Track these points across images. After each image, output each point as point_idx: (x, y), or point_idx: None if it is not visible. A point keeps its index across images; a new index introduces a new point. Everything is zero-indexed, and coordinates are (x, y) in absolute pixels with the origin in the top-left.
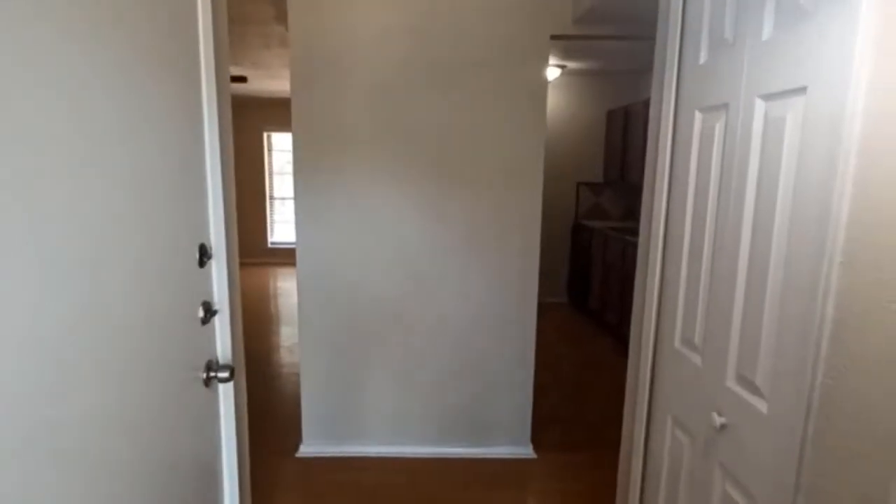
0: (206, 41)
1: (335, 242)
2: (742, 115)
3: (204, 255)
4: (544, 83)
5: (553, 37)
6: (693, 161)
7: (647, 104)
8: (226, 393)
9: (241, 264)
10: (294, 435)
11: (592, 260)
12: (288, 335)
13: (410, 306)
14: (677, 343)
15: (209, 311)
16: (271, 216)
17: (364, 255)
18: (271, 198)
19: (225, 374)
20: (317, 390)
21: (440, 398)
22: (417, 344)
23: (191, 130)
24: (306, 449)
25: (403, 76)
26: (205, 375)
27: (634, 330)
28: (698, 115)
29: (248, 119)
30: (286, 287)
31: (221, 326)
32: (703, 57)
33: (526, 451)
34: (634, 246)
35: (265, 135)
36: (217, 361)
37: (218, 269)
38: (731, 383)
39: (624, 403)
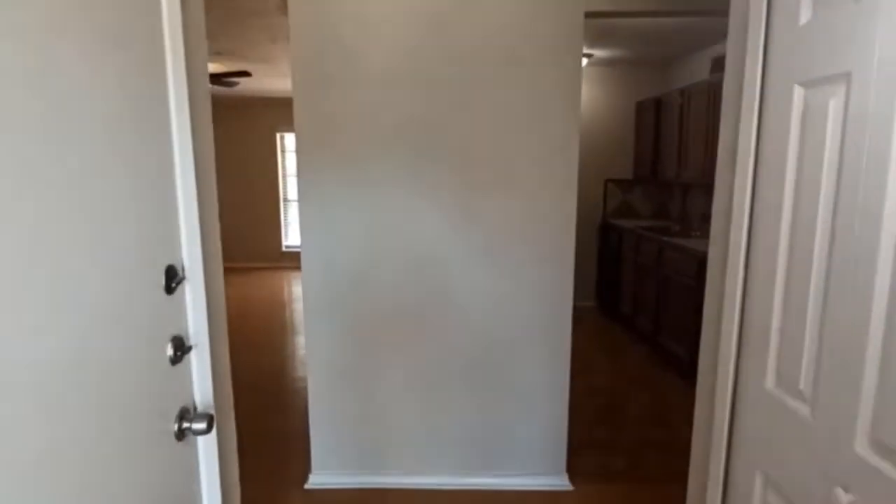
0: (171, 22)
1: (344, 249)
2: (877, 89)
3: (172, 278)
4: (578, 67)
5: (588, 14)
6: (792, 150)
7: (682, 93)
8: (207, 447)
9: (255, 269)
10: (303, 461)
11: (623, 262)
12: (303, 345)
13: (430, 318)
14: (770, 384)
15: (181, 348)
16: (285, 219)
17: (377, 263)
18: (285, 200)
19: (201, 425)
20: (327, 414)
21: (464, 421)
22: (439, 360)
23: (152, 129)
24: (316, 479)
25: (419, 63)
26: (176, 427)
27: (705, 361)
28: (798, 91)
29: (260, 119)
30: (301, 293)
31: (199, 364)
32: (804, 15)
33: (561, 481)
34: (672, 248)
35: (278, 135)
36: (194, 408)
37: (193, 295)
38: (863, 449)
39: (669, 430)
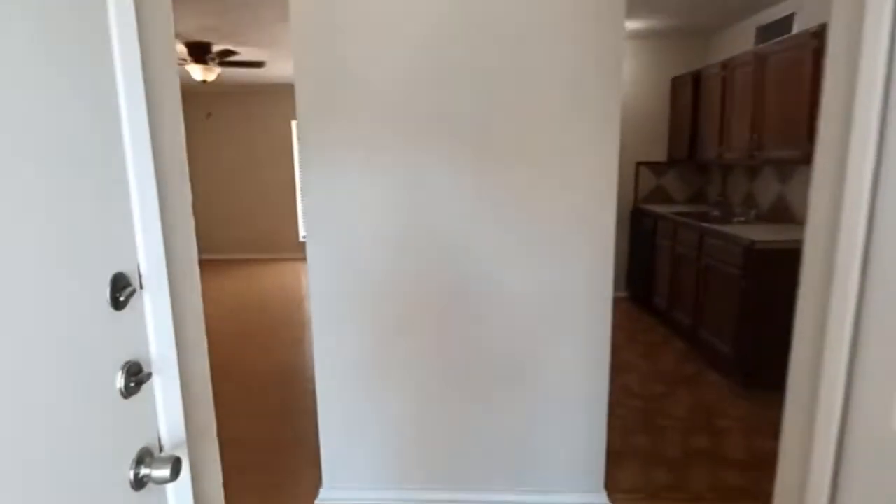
0: None
1: (355, 243)
2: None
3: (121, 290)
4: (620, 30)
5: None
6: None
7: (724, 65)
8: (179, 495)
9: (270, 261)
10: (314, 473)
11: (657, 250)
12: None
13: (452, 317)
14: None
15: (136, 376)
16: (302, 209)
17: (393, 257)
18: (301, 190)
19: (163, 472)
20: (338, 423)
21: (490, 431)
22: (462, 363)
23: (88, 104)
24: (327, 494)
25: (442, 33)
26: (132, 474)
27: (797, 386)
28: None
29: (275, 107)
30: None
31: (165, 393)
32: None
33: (599, 500)
34: (714, 235)
35: (293, 123)
36: (158, 449)
37: (155, 308)
38: None
39: (716, 438)
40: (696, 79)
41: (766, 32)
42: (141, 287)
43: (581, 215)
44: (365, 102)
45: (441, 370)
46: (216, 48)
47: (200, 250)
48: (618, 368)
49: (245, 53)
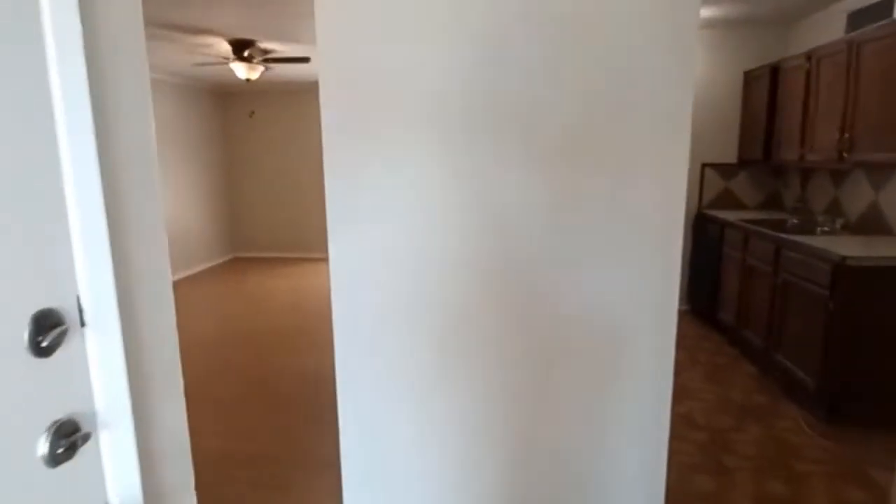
0: None
1: (383, 241)
2: None
3: (46, 331)
4: (695, 15)
5: None
6: None
7: (809, 57)
8: None
9: (302, 260)
10: (336, 497)
11: (724, 261)
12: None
13: (494, 325)
14: None
15: (68, 438)
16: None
17: (427, 260)
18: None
19: None
20: (360, 446)
21: (533, 459)
22: (502, 380)
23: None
24: None
25: (487, 13)
26: None
27: None
28: None
29: (310, 106)
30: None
31: (116, 453)
32: None
33: None
34: (794, 247)
35: None
36: None
37: (102, 347)
38: None
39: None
40: (774, 72)
41: (859, 18)
42: (82, 324)
43: (644, 220)
44: (399, 94)
45: (481, 390)
46: (260, 45)
47: (240, 248)
48: (677, 394)
49: (289, 51)
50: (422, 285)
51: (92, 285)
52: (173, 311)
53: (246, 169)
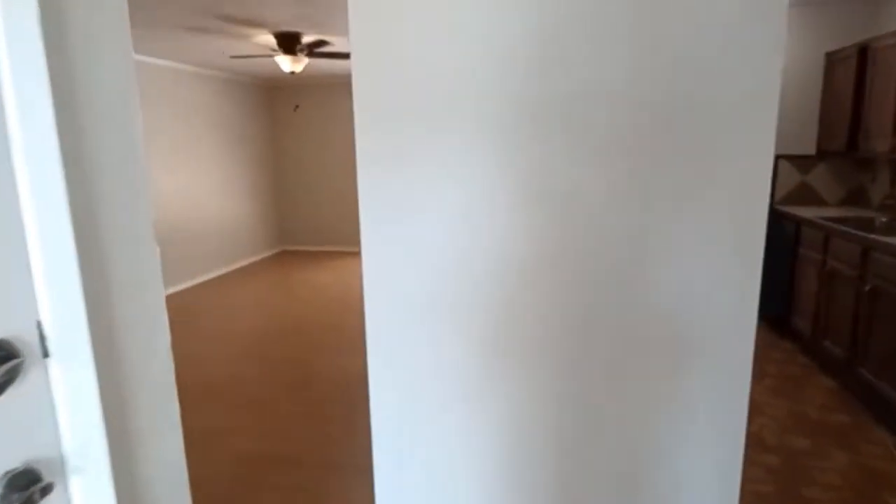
0: None
1: (421, 242)
2: None
3: None
4: None
5: None
6: None
7: None
8: None
9: (348, 254)
10: None
11: (799, 261)
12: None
13: (553, 327)
14: None
15: (25, 491)
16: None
17: (468, 260)
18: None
19: None
20: (395, 464)
21: (592, 475)
22: (561, 387)
23: None
24: None
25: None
26: None
27: None
28: None
29: (347, 99)
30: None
31: (90, 502)
32: None
33: None
34: (885, 249)
35: None
36: None
37: (69, 380)
38: None
39: None
40: (863, 52)
41: None
42: (45, 354)
43: (721, 218)
44: (441, 79)
45: (526, 402)
46: (306, 39)
47: (287, 241)
48: (750, 408)
49: (336, 44)
50: (464, 285)
51: (56, 308)
52: (166, 329)
53: (292, 162)
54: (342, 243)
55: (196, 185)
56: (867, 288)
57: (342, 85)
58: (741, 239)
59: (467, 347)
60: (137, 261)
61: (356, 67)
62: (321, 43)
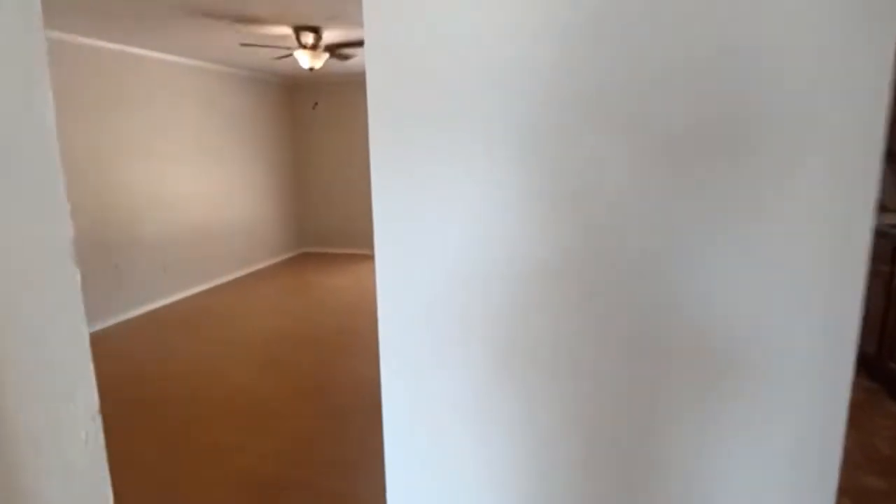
0: None
1: (436, 248)
2: None
3: None
4: None
5: None
6: None
7: None
8: None
9: (369, 258)
10: None
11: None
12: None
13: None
14: None
15: None
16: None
17: (484, 265)
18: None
19: None
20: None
21: None
22: (571, 401)
23: None
24: None
25: None
26: None
27: None
28: None
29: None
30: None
31: None
32: None
33: None
34: None
35: None
36: None
37: None
38: None
39: None
40: None
41: None
42: None
43: (816, 228)
44: (463, 69)
45: (554, 408)
46: (325, 34)
47: (308, 244)
48: None
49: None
50: (478, 290)
51: None
52: (91, 373)
53: (312, 163)
54: (364, 246)
55: (217, 185)
56: None
57: (362, 83)
58: (837, 253)
59: (482, 353)
60: (51, 286)
61: (370, 65)
62: (345, 45)
